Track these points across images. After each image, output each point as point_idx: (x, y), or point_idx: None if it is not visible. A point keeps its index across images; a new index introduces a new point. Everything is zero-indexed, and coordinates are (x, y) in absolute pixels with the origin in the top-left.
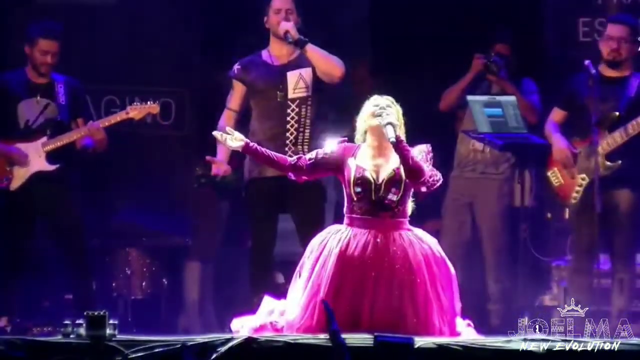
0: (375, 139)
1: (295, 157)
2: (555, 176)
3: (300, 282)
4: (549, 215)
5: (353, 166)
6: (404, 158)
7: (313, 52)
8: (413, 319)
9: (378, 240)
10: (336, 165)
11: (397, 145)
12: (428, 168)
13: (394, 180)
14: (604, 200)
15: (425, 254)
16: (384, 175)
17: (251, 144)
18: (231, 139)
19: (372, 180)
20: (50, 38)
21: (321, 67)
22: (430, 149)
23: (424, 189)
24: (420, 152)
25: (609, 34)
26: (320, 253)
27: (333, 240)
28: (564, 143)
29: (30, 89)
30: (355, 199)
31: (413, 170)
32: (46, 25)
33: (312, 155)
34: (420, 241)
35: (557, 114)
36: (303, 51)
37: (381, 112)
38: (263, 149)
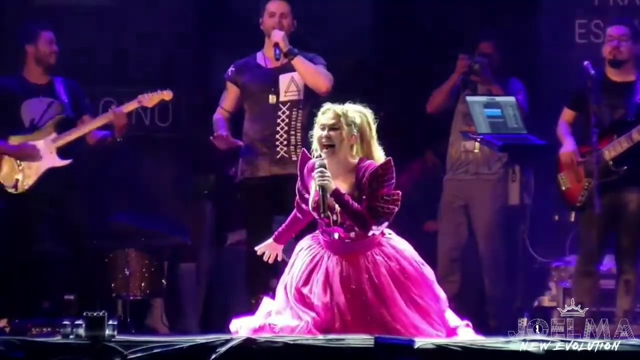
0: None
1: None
2: (564, 180)
3: (288, 288)
4: (556, 217)
5: (312, 189)
6: (345, 211)
7: (299, 65)
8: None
9: (344, 267)
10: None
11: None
12: (382, 202)
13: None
14: (613, 201)
15: (391, 271)
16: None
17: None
18: None
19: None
20: (49, 29)
21: (307, 81)
22: (388, 167)
23: (375, 229)
24: (375, 178)
25: (609, 34)
26: (308, 263)
27: (312, 254)
28: (571, 146)
29: (30, 89)
30: (318, 221)
31: (355, 220)
32: (41, 21)
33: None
34: (386, 259)
35: (567, 114)
36: (290, 63)
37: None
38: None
